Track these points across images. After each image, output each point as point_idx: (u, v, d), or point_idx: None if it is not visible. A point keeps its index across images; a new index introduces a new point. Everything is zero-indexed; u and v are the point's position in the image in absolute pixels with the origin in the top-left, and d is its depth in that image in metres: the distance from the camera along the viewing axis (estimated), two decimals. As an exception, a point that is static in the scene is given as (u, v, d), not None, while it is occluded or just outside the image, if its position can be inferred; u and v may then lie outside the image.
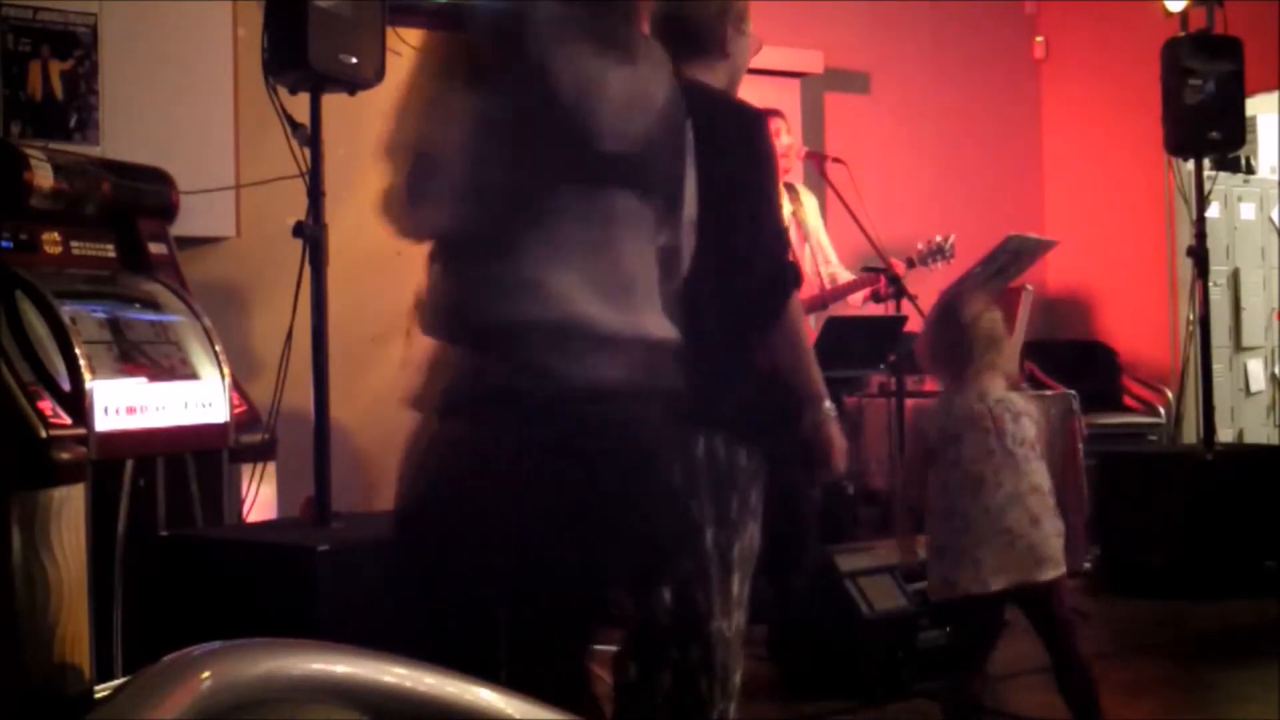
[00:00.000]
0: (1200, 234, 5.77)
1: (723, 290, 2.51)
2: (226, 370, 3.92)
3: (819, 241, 5.38)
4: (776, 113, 5.40)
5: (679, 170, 2.17)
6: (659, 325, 2.10)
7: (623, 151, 2.06)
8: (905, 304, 5.11)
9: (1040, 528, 3.20)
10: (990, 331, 3.32)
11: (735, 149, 2.60)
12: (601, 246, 2.04)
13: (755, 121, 2.77)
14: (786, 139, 5.34)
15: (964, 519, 3.17)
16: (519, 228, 2.00)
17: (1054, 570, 3.22)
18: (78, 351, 3.55)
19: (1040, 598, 3.22)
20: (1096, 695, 3.20)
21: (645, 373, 2.04)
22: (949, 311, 3.36)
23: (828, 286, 5.26)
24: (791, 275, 2.71)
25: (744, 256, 2.58)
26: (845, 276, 5.29)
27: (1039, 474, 3.27)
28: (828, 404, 2.69)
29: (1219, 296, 7.49)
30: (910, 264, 5.20)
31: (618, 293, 2.03)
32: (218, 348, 3.94)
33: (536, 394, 1.95)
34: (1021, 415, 3.32)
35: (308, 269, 3.94)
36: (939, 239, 5.23)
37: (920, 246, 5.24)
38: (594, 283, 2.01)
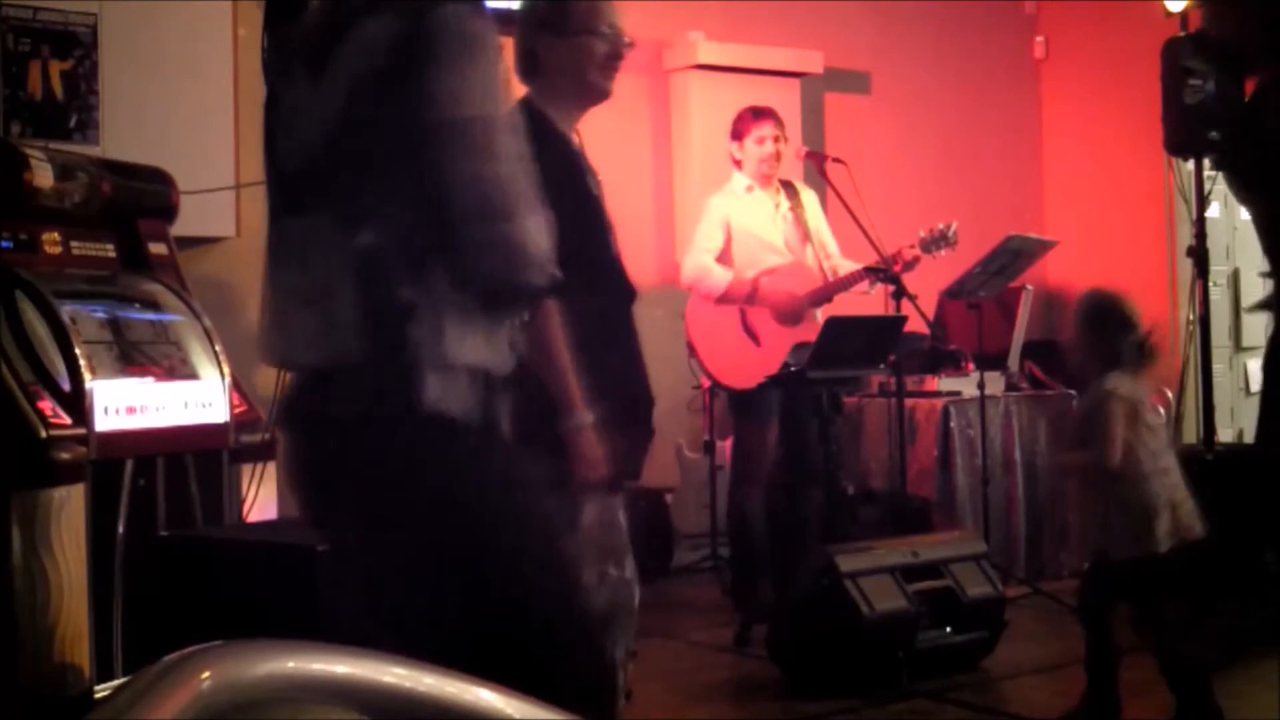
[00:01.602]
0: (1200, 234, 5.77)
1: None
2: (226, 370, 3.91)
3: (820, 238, 5.38)
4: (770, 119, 5.35)
5: (393, 165, 1.99)
6: (336, 344, 2.00)
7: (301, 169, 2.05)
8: (905, 303, 5.11)
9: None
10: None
11: None
12: (302, 271, 2.05)
13: (540, 135, 2.79)
14: (770, 147, 5.26)
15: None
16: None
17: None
18: (78, 351, 3.55)
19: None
20: None
21: (341, 402, 2.01)
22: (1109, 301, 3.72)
23: (830, 280, 5.27)
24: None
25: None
26: (848, 268, 5.29)
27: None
28: (582, 415, 2.56)
29: (1219, 296, 7.49)
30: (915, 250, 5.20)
31: (314, 318, 2.04)
32: (218, 348, 3.94)
33: (285, 424, 2.16)
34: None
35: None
36: (941, 226, 5.22)
37: (923, 234, 5.23)
38: (293, 311, 2.08)
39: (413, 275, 1.97)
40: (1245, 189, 2.91)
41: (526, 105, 2.72)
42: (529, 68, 2.85)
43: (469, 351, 2.00)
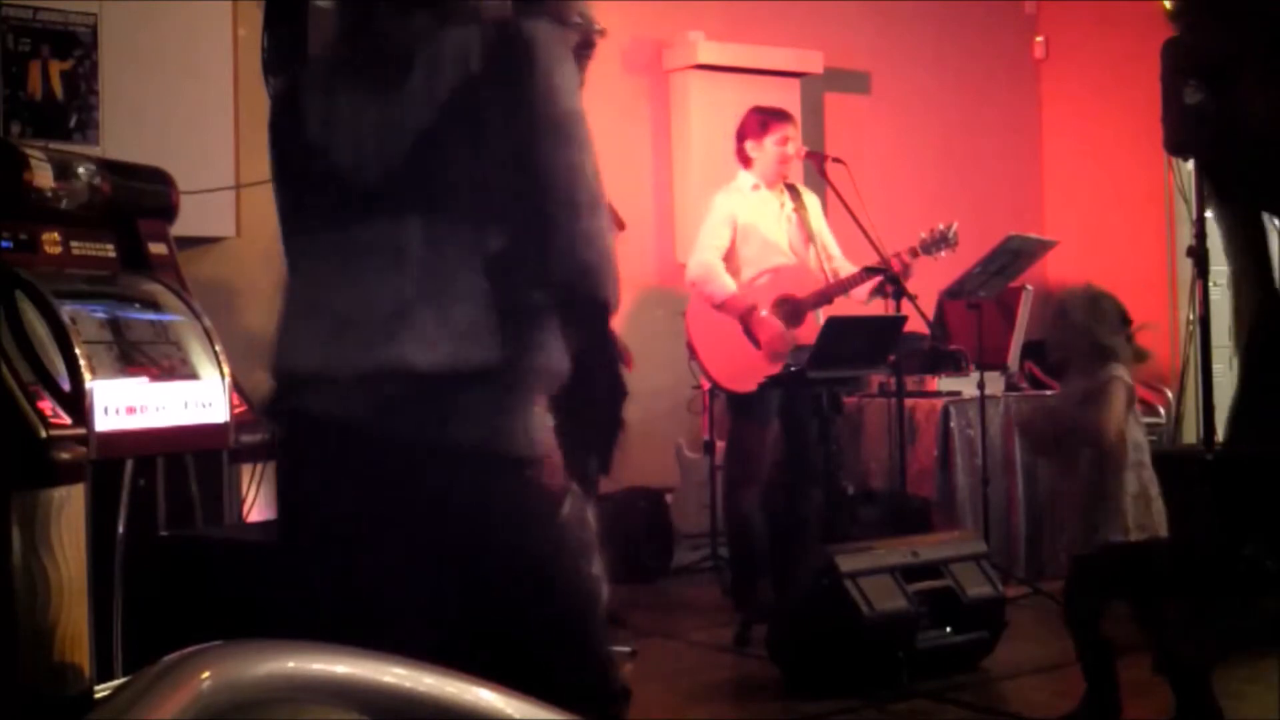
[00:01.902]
0: (1200, 234, 5.76)
1: None
2: (226, 370, 3.91)
3: (822, 241, 5.39)
4: (789, 119, 5.36)
5: (478, 171, 2.01)
6: (424, 353, 1.96)
7: (375, 180, 2.05)
8: (905, 303, 5.11)
9: None
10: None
11: None
12: (349, 283, 2.05)
13: None
14: (792, 148, 5.31)
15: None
16: (288, 274, 2.16)
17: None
18: (78, 351, 3.55)
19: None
20: None
21: (379, 409, 1.99)
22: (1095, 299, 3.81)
23: (832, 282, 5.27)
24: None
25: None
26: (850, 270, 5.30)
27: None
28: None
29: (1219, 296, 7.48)
30: (914, 253, 5.20)
31: (364, 329, 2.01)
32: (218, 348, 3.94)
33: (288, 431, 2.18)
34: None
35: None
36: (942, 227, 5.23)
37: (924, 235, 5.24)
38: (335, 323, 2.05)
39: (537, 278, 2.00)
40: (1221, 193, 2.92)
41: None
42: None
43: (559, 357, 2.04)
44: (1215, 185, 2.91)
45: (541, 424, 2.01)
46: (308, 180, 2.14)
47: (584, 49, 2.84)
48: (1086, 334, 3.71)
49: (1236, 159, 2.67)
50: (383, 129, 2.05)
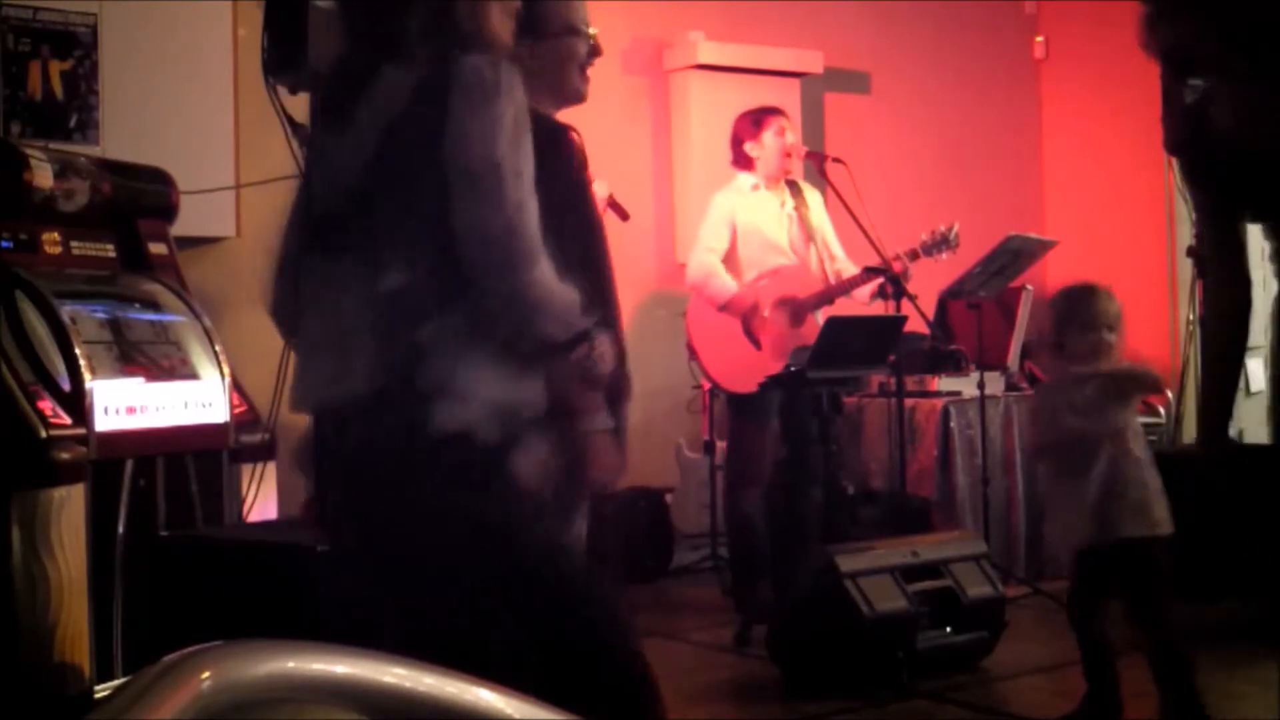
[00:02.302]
0: (1200, 234, 5.76)
1: None
2: (226, 370, 3.91)
3: (823, 239, 5.38)
4: (780, 112, 5.40)
5: (415, 211, 2.04)
6: (370, 379, 2.04)
7: (332, 211, 2.10)
8: (905, 303, 5.11)
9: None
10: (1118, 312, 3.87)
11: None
12: (329, 312, 2.11)
13: (550, 136, 2.69)
14: (791, 137, 5.35)
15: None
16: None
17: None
18: (78, 351, 3.55)
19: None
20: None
21: (329, 438, 2.08)
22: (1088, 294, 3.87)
23: (833, 283, 5.26)
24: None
25: None
26: (851, 271, 5.29)
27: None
28: (598, 417, 2.60)
29: (1219, 296, 7.48)
30: (914, 255, 5.20)
31: (335, 353, 2.09)
32: (218, 348, 3.94)
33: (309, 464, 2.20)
34: None
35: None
36: (943, 229, 5.23)
37: (924, 237, 5.23)
38: (314, 345, 2.14)
39: (430, 318, 2.00)
40: (1192, 185, 2.92)
41: None
42: None
43: (490, 387, 2.02)
44: (1189, 185, 2.90)
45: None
46: (300, 204, 2.22)
47: (590, 60, 2.84)
48: (1079, 334, 3.71)
49: (1205, 157, 2.66)
50: (331, 165, 2.12)
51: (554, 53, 2.76)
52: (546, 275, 2.03)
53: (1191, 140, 2.46)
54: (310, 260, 2.13)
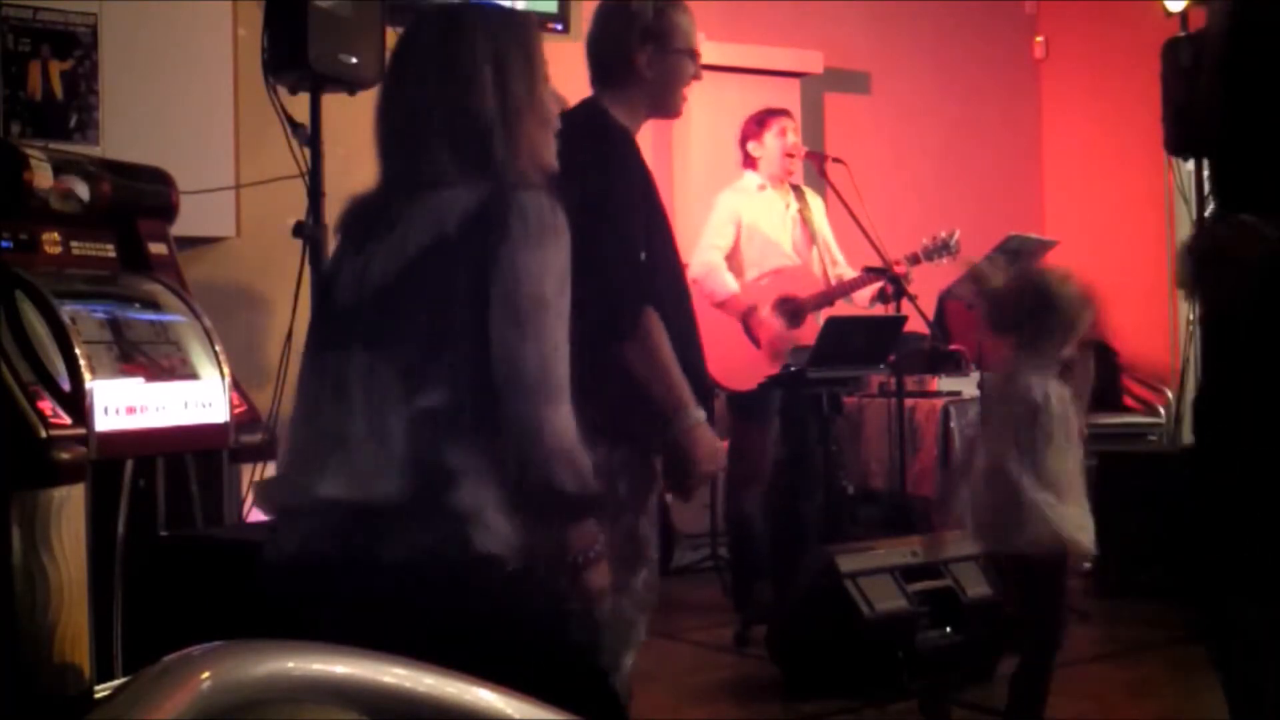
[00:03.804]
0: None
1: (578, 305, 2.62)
2: (226, 370, 3.91)
3: (826, 243, 5.39)
4: (784, 112, 5.41)
5: (457, 333, 2.02)
6: (381, 488, 1.99)
7: (353, 306, 2.09)
8: (905, 304, 5.11)
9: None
10: (1080, 300, 3.34)
11: (590, 172, 2.71)
12: (331, 407, 2.07)
13: (603, 142, 2.84)
14: (793, 138, 5.35)
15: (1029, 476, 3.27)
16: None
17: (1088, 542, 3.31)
18: (78, 351, 3.55)
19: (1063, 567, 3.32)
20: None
21: (337, 540, 2.00)
22: (1041, 282, 3.38)
23: (834, 285, 5.27)
24: (634, 297, 2.75)
25: (595, 274, 2.63)
26: (852, 276, 5.30)
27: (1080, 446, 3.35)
28: (696, 412, 2.73)
29: (1219, 296, 7.48)
30: (915, 260, 5.21)
31: (337, 455, 2.04)
32: (218, 348, 3.94)
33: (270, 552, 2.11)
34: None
35: (308, 269, 3.94)
36: (944, 235, 5.23)
37: (925, 242, 5.24)
38: (316, 445, 2.09)
39: (464, 441, 1.98)
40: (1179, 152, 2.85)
41: (600, 110, 2.87)
42: (619, 74, 2.92)
43: (506, 530, 2.00)
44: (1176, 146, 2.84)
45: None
46: (319, 308, 2.22)
47: (693, 81, 2.96)
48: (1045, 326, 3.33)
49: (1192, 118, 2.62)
50: (363, 272, 2.10)
51: (671, 68, 2.95)
52: (567, 422, 2.01)
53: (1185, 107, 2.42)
54: (326, 352, 2.12)
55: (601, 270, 2.67)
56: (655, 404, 2.72)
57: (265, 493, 2.22)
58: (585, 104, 2.92)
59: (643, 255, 2.81)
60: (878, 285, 5.17)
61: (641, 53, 2.91)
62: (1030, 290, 3.33)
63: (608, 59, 2.93)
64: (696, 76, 3.02)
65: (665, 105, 2.98)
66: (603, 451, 2.63)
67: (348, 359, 2.06)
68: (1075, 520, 3.27)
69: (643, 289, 2.79)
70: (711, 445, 2.76)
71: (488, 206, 2.01)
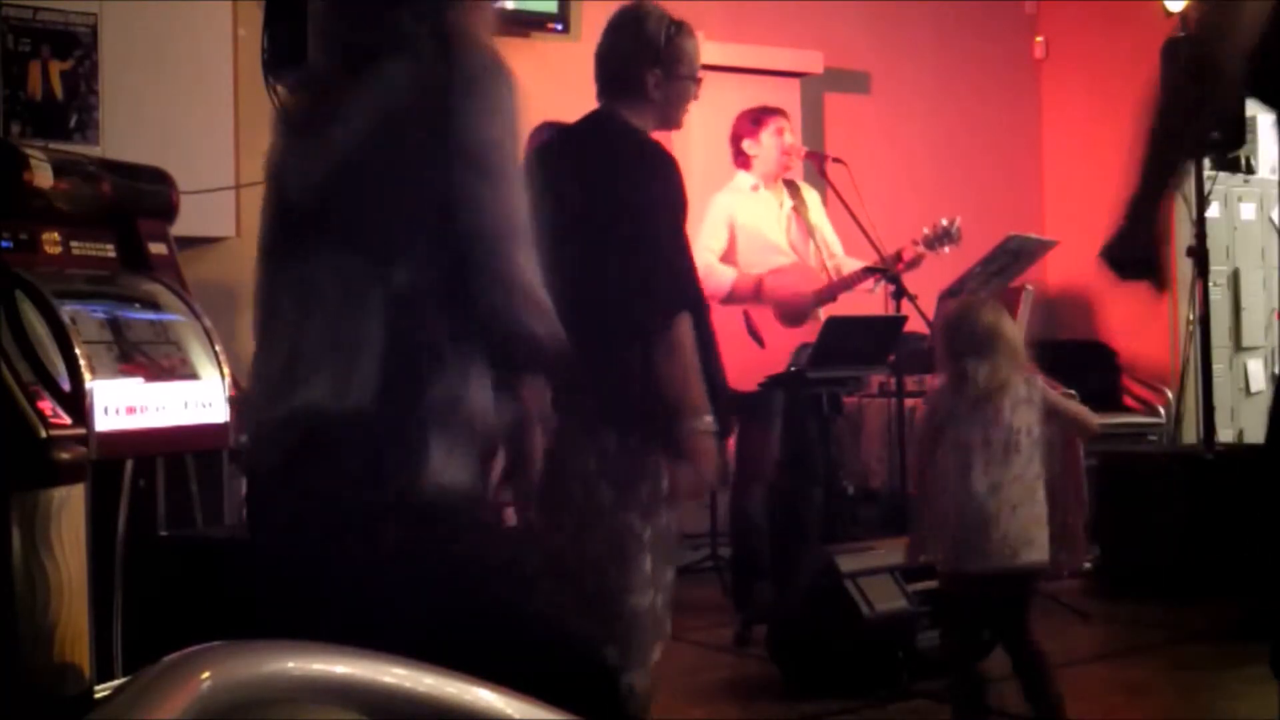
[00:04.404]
0: (1200, 234, 5.77)
1: (610, 307, 2.78)
2: (226, 370, 3.91)
3: (823, 237, 5.38)
4: (780, 112, 5.41)
5: (388, 205, 1.97)
6: (334, 394, 1.92)
7: (308, 199, 2.02)
8: (905, 304, 5.10)
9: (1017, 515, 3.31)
10: (991, 328, 3.42)
11: (626, 180, 2.91)
12: (298, 310, 2.00)
13: (652, 157, 3.00)
14: (789, 138, 5.35)
15: (953, 500, 3.32)
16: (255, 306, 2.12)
17: (1031, 557, 3.31)
18: (78, 351, 3.55)
19: (1014, 586, 3.34)
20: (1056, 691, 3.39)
21: (296, 452, 1.94)
22: (952, 317, 3.55)
23: (834, 279, 5.26)
24: (675, 299, 2.88)
25: (629, 279, 2.83)
26: (852, 266, 5.29)
27: (1027, 463, 3.35)
28: (705, 420, 2.82)
29: (1219, 296, 7.49)
30: (917, 260, 5.19)
31: (288, 364, 1.98)
32: (218, 348, 3.94)
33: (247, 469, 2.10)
34: (1021, 404, 3.38)
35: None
36: (945, 222, 5.21)
37: (926, 231, 5.22)
38: (267, 357, 2.04)
39: (444, 318, 1.93)
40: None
41: (624, 120, 3.03)
42: (630, 90, 3.07)
43: (485, 409, 1.96)
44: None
45: (449, 467, 1.92)
46: (268, 209, 2.12)
47: (692, 101, 3.11)
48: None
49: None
50: (312, 162, 2.04)
51: (678, 90, 3.13)
52: (531, 265, 1.96)
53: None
54: (286, 260, 2.04)
55: (645, 267, 2.84)
56: (669, 403, 2.80)
57: (243, 408, 2.21)
58: (605, 113, 3.07)
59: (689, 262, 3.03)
60: (878, 276, 5.17)
61: (651, 75, 3.06)
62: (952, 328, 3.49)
63: (620, 74, 3.08)
64: (695, 97, 3.22)
65: (668, 121, 3.16)
66: (634, 451, 2.82)
67: (310, 256, 2.00)
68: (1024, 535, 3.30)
69: (684, 291, 2.96)
70: (712, 456, 2.82)
71: (433, 67, 1.97)
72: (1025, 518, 3.30)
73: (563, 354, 2.01)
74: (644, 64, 3.05)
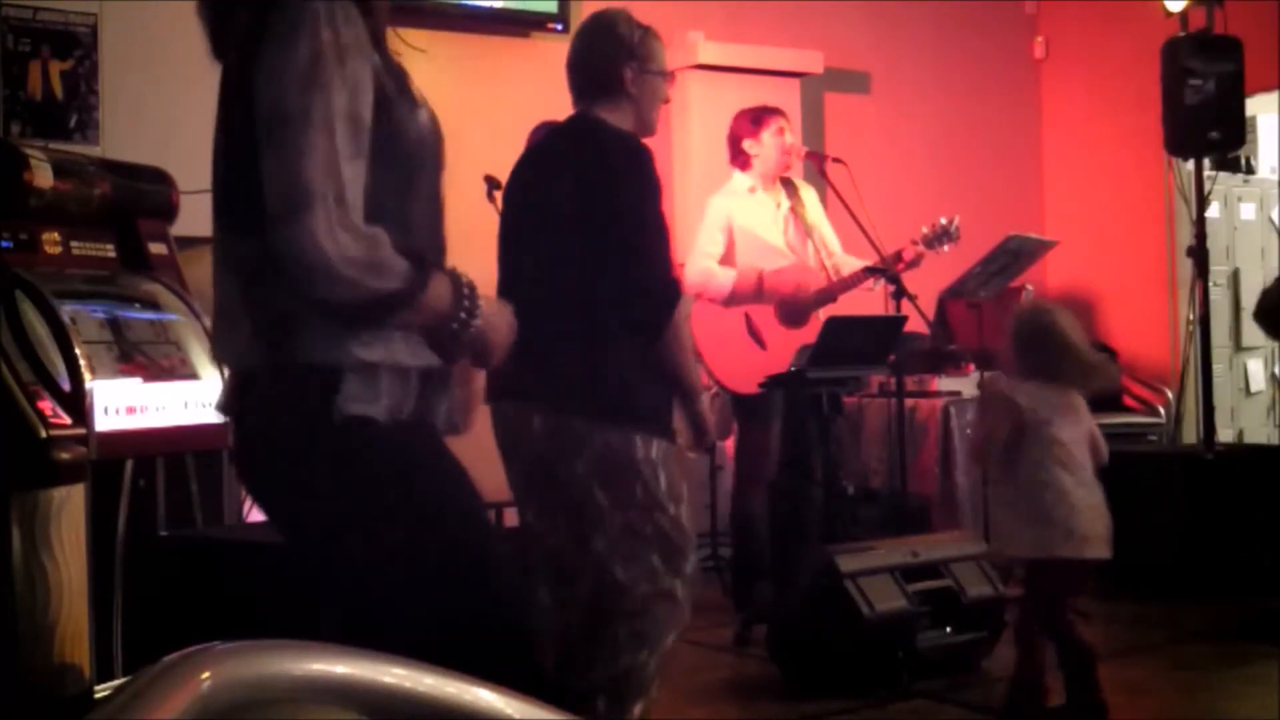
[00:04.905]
0: (1200, 234, 5.77)
1: (611, 308, 2.97)
2: (226, 370, 3.91)
3: (821, 236, 5.38)
4: (780, 112, 5.40)
5: (228, 173, 2.00)
6: (247, 356, 2.00)
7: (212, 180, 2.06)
8: (905, 304, 5.10)
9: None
10: (1075, 327, 3.79)
11: (614, 179, 3.03)
12: (216, 281, 2.06)
13: (634, 153, 3.08)
14: (789, 138, 5.35)
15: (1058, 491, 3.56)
16: None
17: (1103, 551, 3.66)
18: (78, 351, 3.55)
19: (1085, 576, 3.67)
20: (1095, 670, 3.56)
21: (252, 410, 2.02)
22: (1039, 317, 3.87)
23: (833, 278, 5.26)
24: (672, 293, 3.08)
25: (630, 280, 2.98)
26: (850, 265, 5.29)
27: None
28: (706, 397, 3.28)
29: (1219, 296, 7.50)
30: (917, 259, 5.19)
31: (219, 327, 2.08)
32: (218, 348, 3.94)
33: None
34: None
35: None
36: (944, 221, 5.21)
37: (925, 230, 5.22)
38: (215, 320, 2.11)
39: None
40: None
41: (604, 122, 3.12)
42: (608, 90, 3.19)
43: (379, 350, 1.90)
44: None
45: (362, 396, 1.90)
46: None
47: (664, 103, 3.25)
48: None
49: None
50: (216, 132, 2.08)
51: (652, 86, 3.22)
52: (323, 225, 1.81)
53: None
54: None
55: (643, 272, 3.00)
56: (683, 388, 3.10)
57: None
58: (584, 117, 3.18)
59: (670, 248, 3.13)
60: (878, 275, 5.17)
61: (628, 69, 3.18)
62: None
63: (598, 75, 3.21)
64: (666, 100, 3.31)
65: (645, 122, 3.24)
66: (634, 453, 2.98)
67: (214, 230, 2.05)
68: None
69: (677, 283, 3.17)
70: (711, 422, 3.33)
71: (252, 26, 1.92)
72: (1102, 511, 3.65)
73: (388, 297, 1.87)
74: (621, 61, 3.18)
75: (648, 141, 3.18)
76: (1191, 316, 6.11)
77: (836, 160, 5.34)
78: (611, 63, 3.19)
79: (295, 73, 1.87)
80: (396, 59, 2.05)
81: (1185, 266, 6.12)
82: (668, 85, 3.32)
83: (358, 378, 1.90)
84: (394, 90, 1.97)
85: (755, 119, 5.31)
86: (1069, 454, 3.60)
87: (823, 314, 5.22)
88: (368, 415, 1.90)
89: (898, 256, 5.11)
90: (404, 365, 1.93)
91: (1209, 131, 5.67)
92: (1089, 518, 3.58)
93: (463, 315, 1.94)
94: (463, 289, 1.95)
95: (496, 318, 2.03)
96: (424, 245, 1.97)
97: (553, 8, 6.23)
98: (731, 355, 5.21)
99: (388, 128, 1.93)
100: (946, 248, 5.23)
